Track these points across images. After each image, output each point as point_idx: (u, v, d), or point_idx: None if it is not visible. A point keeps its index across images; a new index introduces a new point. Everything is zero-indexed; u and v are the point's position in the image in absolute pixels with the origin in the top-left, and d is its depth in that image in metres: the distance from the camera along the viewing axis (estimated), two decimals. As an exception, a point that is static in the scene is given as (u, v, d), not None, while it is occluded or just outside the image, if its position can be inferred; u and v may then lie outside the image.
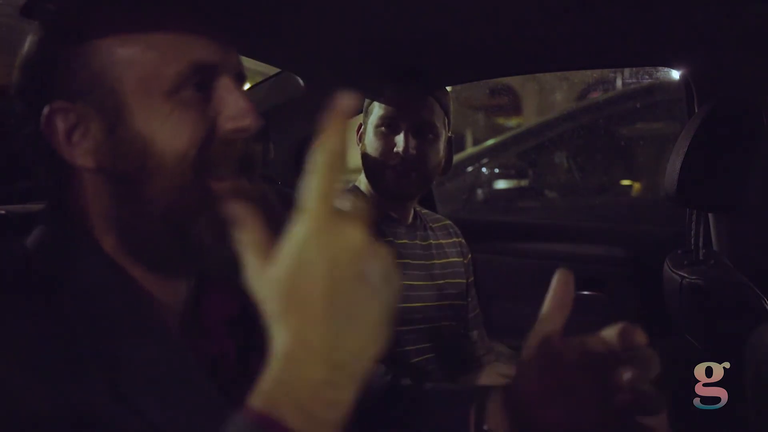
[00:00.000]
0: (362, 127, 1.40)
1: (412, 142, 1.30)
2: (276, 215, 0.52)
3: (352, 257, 0.40)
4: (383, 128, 1.33)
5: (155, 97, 0.54)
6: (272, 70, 1.60)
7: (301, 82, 1.57)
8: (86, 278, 0.54)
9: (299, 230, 0.40)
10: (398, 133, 1.31)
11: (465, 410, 0.69)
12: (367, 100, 1.40)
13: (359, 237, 0.41)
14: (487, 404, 0.68)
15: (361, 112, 1.43)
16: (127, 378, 0.50)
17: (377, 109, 1.35)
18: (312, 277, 0.38)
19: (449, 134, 1.41)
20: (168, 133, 0.54)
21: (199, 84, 0.55)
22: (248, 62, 1.44)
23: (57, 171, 0.57)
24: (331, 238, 0.39)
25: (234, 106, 0.56)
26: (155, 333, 0.55)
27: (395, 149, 1.31)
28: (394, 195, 1.37)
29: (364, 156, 1.37)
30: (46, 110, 0.54)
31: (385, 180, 1.34)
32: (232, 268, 0.48)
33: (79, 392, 0.47)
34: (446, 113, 1.38)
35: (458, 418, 0.69)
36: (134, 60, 0.54)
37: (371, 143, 1.35)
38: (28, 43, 0.58)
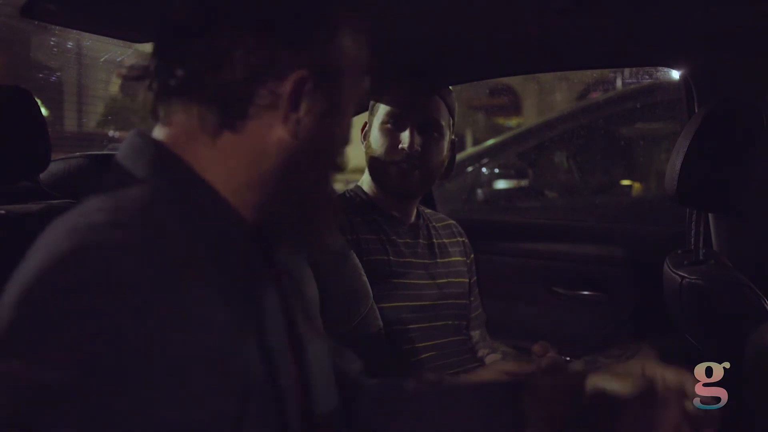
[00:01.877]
0: (367, 125, 1.41)
1: (418, 139, 1.31)
2: None
3: None
4: (389, 125, 1.34)
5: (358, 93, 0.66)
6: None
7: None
8: (225, 232, 0.58)
9: None
10: (404, 130, 1.32)
11: (499, 409, 0.71)
12: (373, 99, 1.41)
13: None
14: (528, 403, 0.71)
15: (366, 110, 1.44)
16: (269, 330, 0.57)
17: (383, 106, 1.36)
18: None
19: (452, 137, 1.42)
20: (349, 127, 0.66)
21: None
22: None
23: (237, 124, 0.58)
24: None
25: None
26: (272, 289, 0.63)
27: (400, 146, 1.31)
28: (397, 192, 1.37)
29: (369, 153, 1.38)
30: (299, 73, 0.58)
31: (389, 177, 1.34)
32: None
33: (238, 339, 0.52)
34: (451, 114, 1.39)
35: (490, 417, 0.71)
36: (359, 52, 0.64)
37: (376, 139, 1.35)
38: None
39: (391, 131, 1.33)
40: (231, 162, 0.59)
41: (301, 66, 0.58)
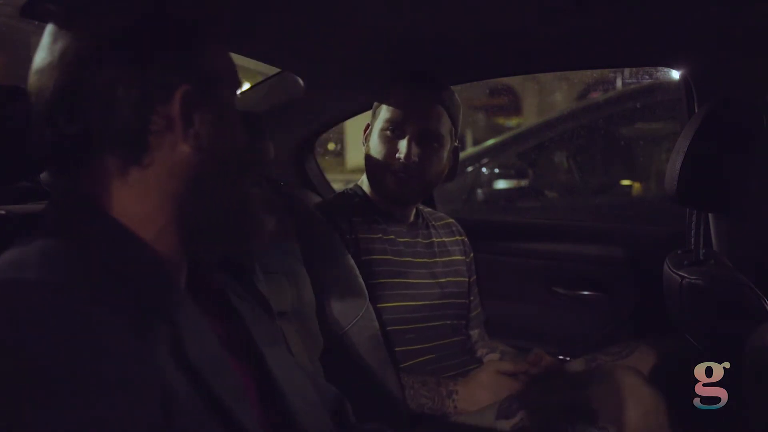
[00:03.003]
0: (369, 127, 1.40)
1: (415, 150, 1.30)
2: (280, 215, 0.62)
3: None
4: (388, 132, 1.32)
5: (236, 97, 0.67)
6: (272, 70, 1.60)
7: (301, 82, 1.57)
8: (133, 259, 0.59)
9: None
10: (402, 138, 1.31)
11: None
12: (376, 102, 1.39)
13: None
14: None
15: (369, 109, 1.44)
16: (188, 345, 0.57)
17: (384, 112, 1.34)
18: None
19: (455, 144, 1.40)
20: (240, 127, 0.67)
21: None
22: (248, 62, 1.45)
23: (134, 146, 0.60)
24: None
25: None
26: (193, 309, 0.63)
27: (398, 154, 1.30)
28: (393, 199, 1.37)
29: (368, 157, 1.37)
30: (182, 89, 0.60)
31: (385, 184, 1.34)
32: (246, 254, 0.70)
33: (152, 358, 0.53)
34: (454, 123, 1.37)
35: None
36: (230, 61, 0.67)
37: (375, 146, 1.34)
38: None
39: (390, 139, 1.32)
40: (143, 193, 0.60)
41: (182, 82, 0.60)
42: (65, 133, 0.58)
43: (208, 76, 0.63)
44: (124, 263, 0.58)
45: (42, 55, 0.61)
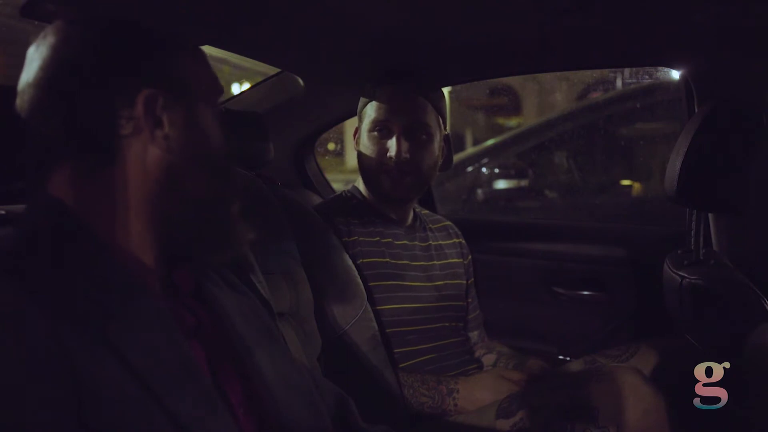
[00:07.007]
0: (358, 131, 1.40)
1: (405, 145, 1.30)
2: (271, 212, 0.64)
3: None
4: (376, 132, 1.33)
5: (214, 103, 0.70)
6: (272, 70, 1.60)
7: (301, 82, 1.57)
8: (88, 261, 0.60)
9: None
10: (391, 137, 1.31)
11: None
12: (361, 104, 1.39)
13: None
14: None
15: (355, 114, 1.44)
16: (120, 336, 0.56)
17: (370, 113, 1.34)
18: None
19: (446, 132, 1.41)
20: (218, 132, 0.70)
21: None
22: (248, 62, 1.45)
23: (98, 151, 0.62)
24: None
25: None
26: (146, 304, 0.62)
27: (389, 153, 1.30)
28: (390, 199, 1.37)
29: (360, 160, 1.37)
30: (146, 92, 0.62)
31: (381, 184, 1.34)
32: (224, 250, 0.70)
33: (81, 349, 0.53)
34: (440, 112, 1.37)
35: None
36: (204, 69, 0.70)
37: (366, 147, 1.35)
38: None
39: (379, 139, 1.32)
40: (114, 193, 0.62)
41: (147, 86, 0.62)
42: (39, 137, 0.62)
43: (177, 81, 0.66)
44: (76, 261, 0.59)
45: (22, 77, 0.65)
